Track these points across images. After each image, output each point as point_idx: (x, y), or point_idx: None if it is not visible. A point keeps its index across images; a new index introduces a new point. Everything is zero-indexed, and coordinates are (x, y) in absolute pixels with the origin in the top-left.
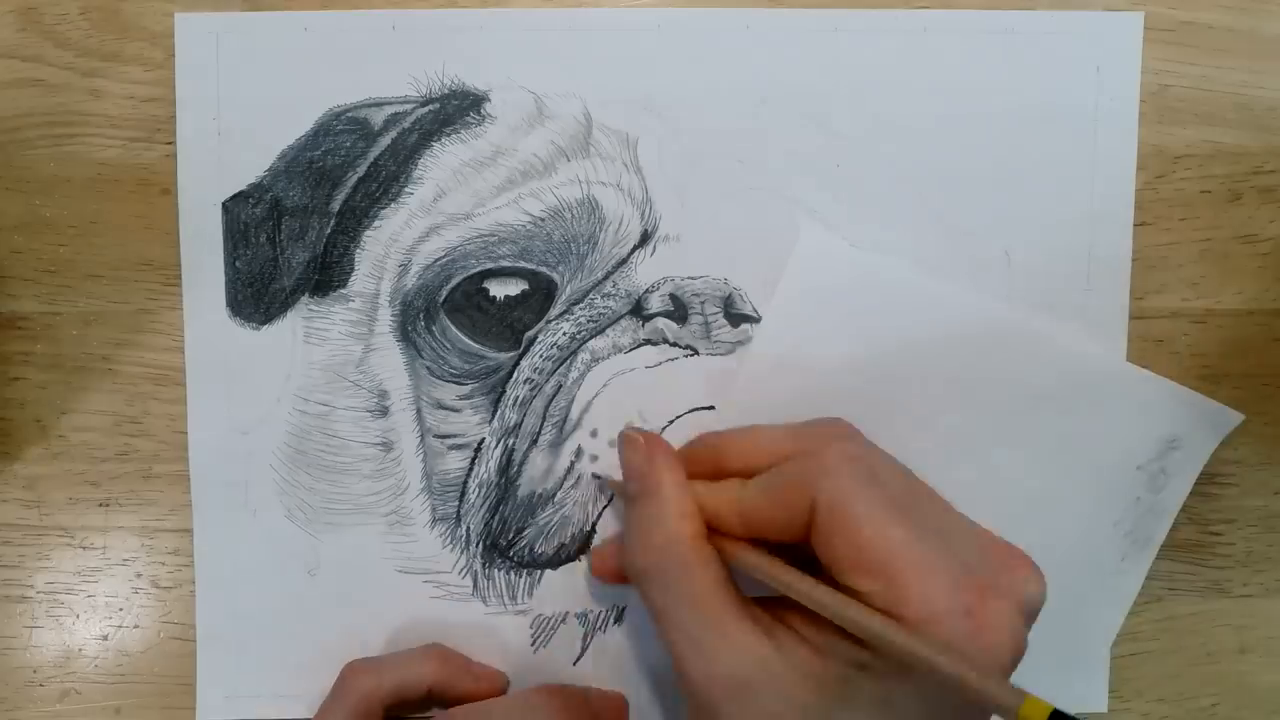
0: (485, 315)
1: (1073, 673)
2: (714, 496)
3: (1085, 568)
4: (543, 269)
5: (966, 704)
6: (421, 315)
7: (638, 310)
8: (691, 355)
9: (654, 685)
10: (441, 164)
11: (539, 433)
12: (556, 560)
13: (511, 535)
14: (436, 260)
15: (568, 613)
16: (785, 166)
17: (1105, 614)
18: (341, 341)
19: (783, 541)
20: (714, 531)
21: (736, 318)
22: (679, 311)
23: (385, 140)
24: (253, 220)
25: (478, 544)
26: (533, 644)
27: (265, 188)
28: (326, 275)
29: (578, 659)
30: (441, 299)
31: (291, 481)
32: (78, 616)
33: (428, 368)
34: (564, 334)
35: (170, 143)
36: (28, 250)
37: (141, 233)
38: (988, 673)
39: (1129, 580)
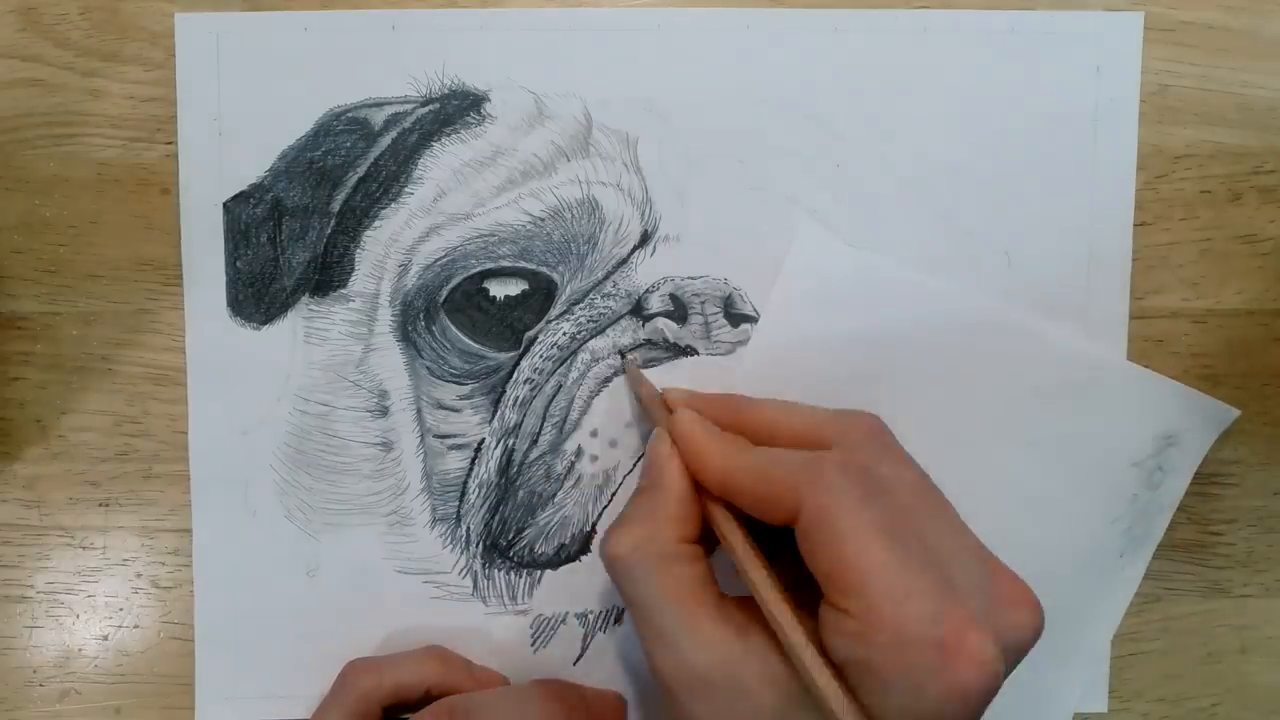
0: (485, 315)
1: (1072, 670)
2: (711, 444)
3: (1084, 565)
4: (543, 269)
5: None
6: (421, 315)
7: (638, 310)
8: (691, 355)
9: (654, 686)
10: (441, 164)
11: (539, 433)
12: (556, 560)
13: (511, 535)
14: (436, 260)
15: (568, 613)
16: (785, 166)
17: (1104, 611)
18: (341, 341)
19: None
20: (705, 494)
21: (736, 318)
22: (679, 311)
23: (385, 140)
24: (253, 220)
25: (478, 544)
26: (533, 644)
27: (266, 188)
28: (327, 275)
29: (578, 659)
30: (441, 299)
31: (291, 481)
32: (78, 616)
33: (428, 368)
34: (564, 334)
35: (170, 143)
36: (28, 250)
37: (141, 233)
38: None
39: (1128, 577)
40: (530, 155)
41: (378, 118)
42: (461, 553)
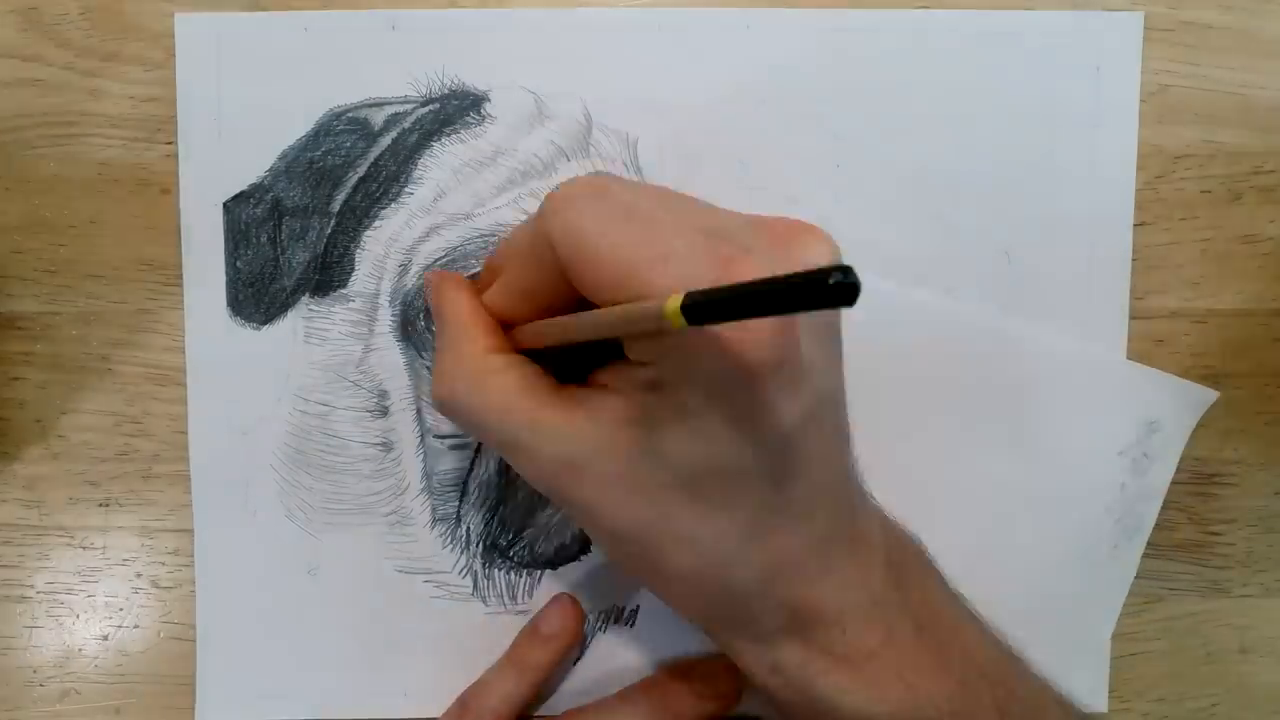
0: None
1: (1072, 665)
2: (492, 297)
3: (1078, 559)
4: None
5: (656, 336)
6: (422, 315)
7: None
8: None
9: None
10: (441, 164)
11: None
12: (556, 560)
13: (511, 535)
14: (437, 260)
15: None
16: (785, 166)
17: (1101, 604)
18: (341, 341)
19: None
20: (509, 327)
21: None
22: None
23: (385, 140)
24: (253, 220)
25: (478, 544)
26: None
27: (266, 188)
28: (327, 275)
29: (578, 659)
30: None
31: (291, 481)
32: (78, 616)
33: (428, 368)
34: None
35: (170, 143)
36: (28, 250)
37: (141, 233)
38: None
39: (1122, 568)
40: (530, 155)
41: (378, 118)
42: (461, 553)
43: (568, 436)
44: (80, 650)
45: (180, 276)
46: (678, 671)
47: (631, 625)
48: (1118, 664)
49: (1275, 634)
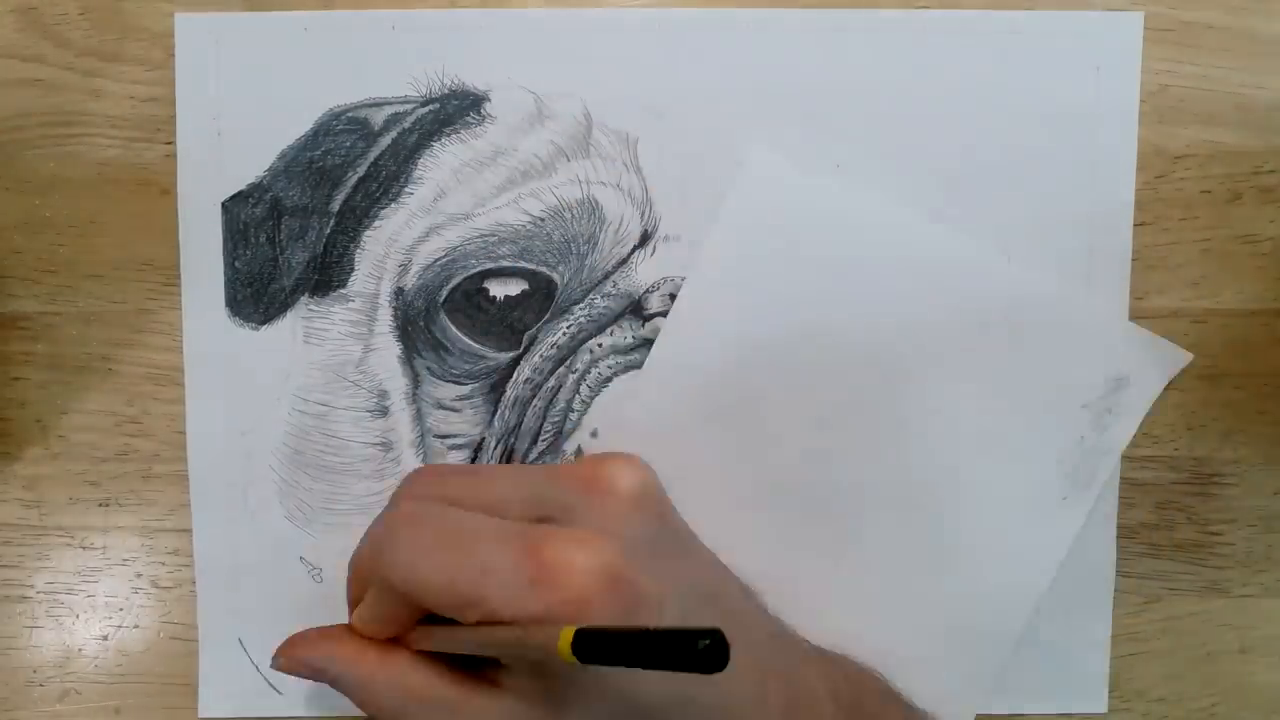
0: (485, 315)
1: (1072, 665)
2: (364, 620)
3: (1026, 505)
4: (543, 269)
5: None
6: (421, 315)
7: (637, 310)
8: None
9: None
10: (441, 164)
11: (539, 433)
12: None
13: None
14: (436, 260)
15: None
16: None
17: (1044, 552)
18: (341, 341)
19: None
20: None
21: None
22: None
23: (385, 140)
24: (253, 220)
25: None
26: None
27: (265, 188)
28: (326, 275)
29: None
30: (441, 299)
31: (291, 482)
32: (78, 616)
33: (428, 368)
34: (564, 334)
35: (170, 143)
36: (28, 250)
37: (141, 233)
38: (534, 627)
39: (1069, 520)
40: (530, 155)
41: (378, 118)
42: None
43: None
44: (80, 650)
45: (179, 276)
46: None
47: None
48: (1118, 664)
49: (1275, 634)
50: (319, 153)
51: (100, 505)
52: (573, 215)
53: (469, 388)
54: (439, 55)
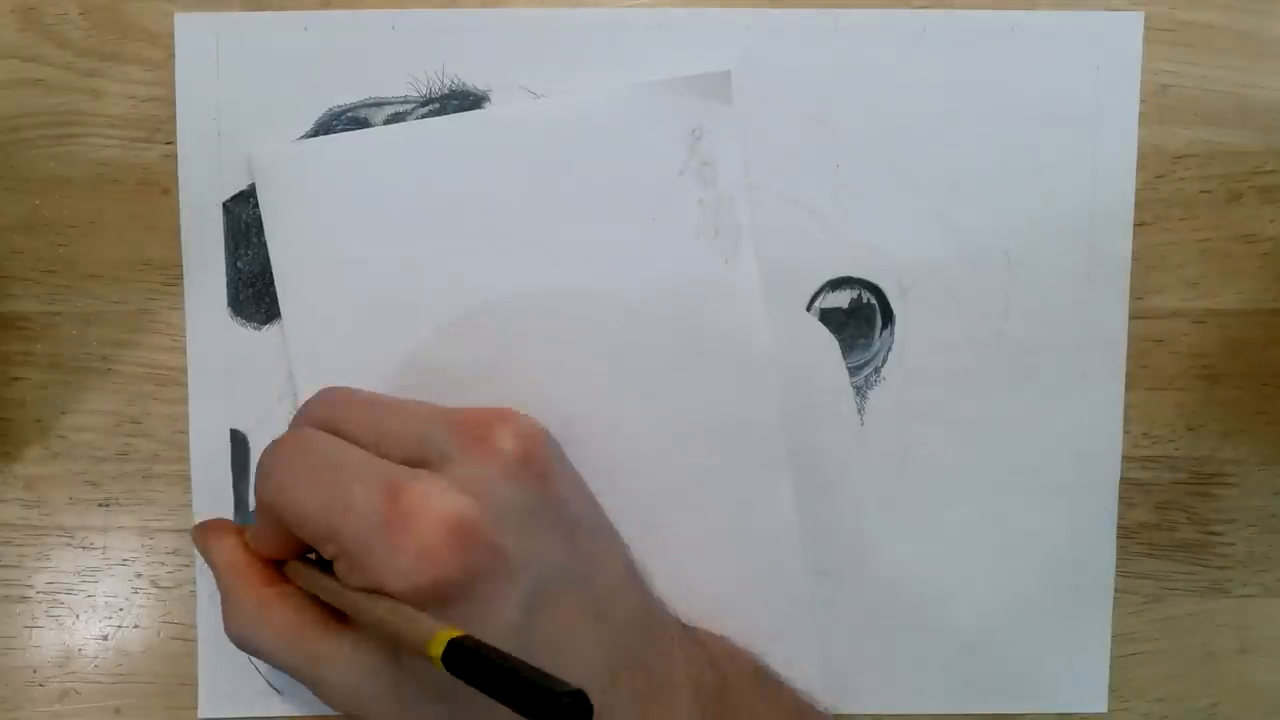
0: None
1: (1071, 664)
2: (254, 540)
3: (690, 281)
4: None
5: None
6: None
7: None
8: None
9: None
10: None
11: None
12: None
13: None
14: None
15: None
16: (785, 166)
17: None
18: None
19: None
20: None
21: None
22: None
23: None
24: (253, 220)
25: None
26: None
27: None
28: None
29: None
30: None
31: None
32: (78, 616)
33: None
34: None
35: (170, 143)
36: (28, 250)
37: (141, 233)
38: (401, 610)
39: (742, 281)
40: None
41: (378, 118)
42: None
43: (343, 666)
44: (80, 650)
45: (180, 276)
46: None
47: None
48: (1118, 664)
49: (1275, 634)
50: None
51: (100, 505)
52: None
53: None
54: (439, 55)
